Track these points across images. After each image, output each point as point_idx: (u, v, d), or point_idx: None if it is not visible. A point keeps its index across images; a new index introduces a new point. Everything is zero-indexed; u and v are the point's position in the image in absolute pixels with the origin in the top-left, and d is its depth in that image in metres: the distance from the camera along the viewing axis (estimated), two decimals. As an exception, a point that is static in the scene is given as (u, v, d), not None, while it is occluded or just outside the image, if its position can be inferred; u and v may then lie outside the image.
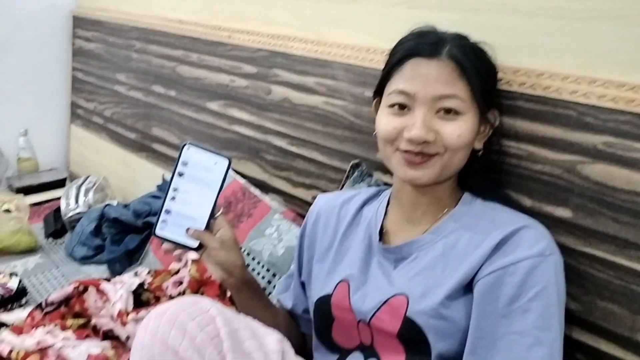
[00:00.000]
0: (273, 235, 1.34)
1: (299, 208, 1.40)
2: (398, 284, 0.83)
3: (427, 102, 0.79)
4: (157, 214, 0.86)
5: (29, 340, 1.10)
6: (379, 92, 0.89)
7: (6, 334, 1.15)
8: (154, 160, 1.94)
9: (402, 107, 0.82)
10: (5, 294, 1.35)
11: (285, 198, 1.45)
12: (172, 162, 1.82)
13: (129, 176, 2.08)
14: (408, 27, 0.89)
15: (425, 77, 0.80)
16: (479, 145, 0.86)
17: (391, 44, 0.89)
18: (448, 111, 0.80)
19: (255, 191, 1.46)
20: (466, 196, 0.88)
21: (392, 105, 0.83)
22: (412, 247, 0.85)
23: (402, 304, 0.80)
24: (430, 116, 0.80)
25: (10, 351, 1.07)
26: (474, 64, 0.81)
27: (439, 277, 0.80)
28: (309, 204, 1.09)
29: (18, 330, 1.17)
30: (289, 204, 1.43)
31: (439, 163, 0.81)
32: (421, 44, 0.82)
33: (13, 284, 1.39)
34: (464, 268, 0.78)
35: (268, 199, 1.44)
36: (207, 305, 0.76)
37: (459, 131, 0.80)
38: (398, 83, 0.82)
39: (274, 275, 1.28)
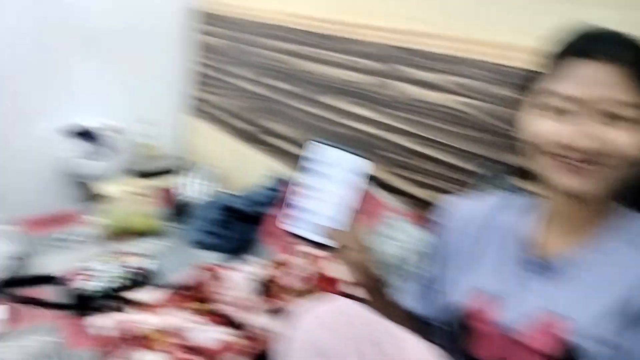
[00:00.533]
0: (390, 235, 1.32)
1: (418, 208, 1.36)
2: (553, 301, 0.77)
3: (594, 109, 0.73)
4: (268, 204, 0.86)
5: (157, 320, 1.15)
6: (526, 91, 0.83)
7: (135, 312, 1.21)
8: (269, 152, 1.98)
9: (562, 111, 0.75)
10: (140, 273, 1.43)
11: (404, 198, 1.42)
12: (287, 156, 1.86)
13: (243, 167, 2.13)
14: (555, 23, 0.82)
15: (595, 81, 0.72)
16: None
17: (535, 41, 0.82)
18: (616, 117, 0.72)
19: (373, 189, 1.44)
20: (621, 209, 0.80)
21: (550, 109, 0.76)
22: (569, 263, 0.79)
23: (559, 323, 0.74)
24: (597, 123, 0.73)
25: (139, 329, 1.12)
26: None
27: (604, 299, 0.73)
28: (430, 205, 1.04)
29: (146, 309, 1.22)
30: (408, 204, 1.40)
31: (602, 174, 0.74)
32: (589, 45, 0.75)
33: (143, 264, 1.47)
34: (632, 290, 0.70)
35: (385, 198, 1.41)
36: (356, 307, 0.74)
37: (630, 141, 0.72)
38: (561, 85, 0.75)
39: (392, 276, 1.25)
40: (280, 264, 1.32)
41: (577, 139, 0.73)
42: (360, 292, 0.91)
